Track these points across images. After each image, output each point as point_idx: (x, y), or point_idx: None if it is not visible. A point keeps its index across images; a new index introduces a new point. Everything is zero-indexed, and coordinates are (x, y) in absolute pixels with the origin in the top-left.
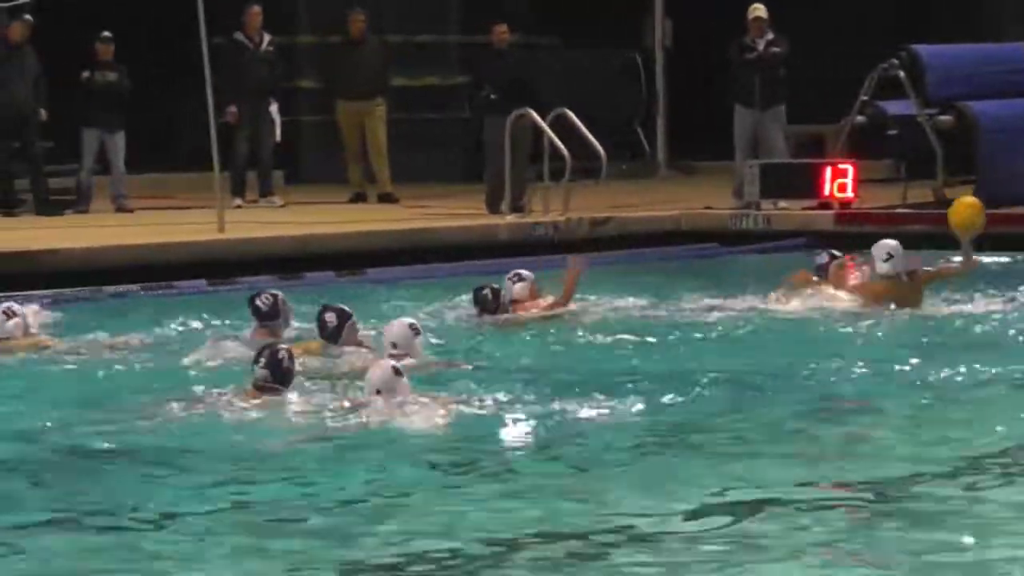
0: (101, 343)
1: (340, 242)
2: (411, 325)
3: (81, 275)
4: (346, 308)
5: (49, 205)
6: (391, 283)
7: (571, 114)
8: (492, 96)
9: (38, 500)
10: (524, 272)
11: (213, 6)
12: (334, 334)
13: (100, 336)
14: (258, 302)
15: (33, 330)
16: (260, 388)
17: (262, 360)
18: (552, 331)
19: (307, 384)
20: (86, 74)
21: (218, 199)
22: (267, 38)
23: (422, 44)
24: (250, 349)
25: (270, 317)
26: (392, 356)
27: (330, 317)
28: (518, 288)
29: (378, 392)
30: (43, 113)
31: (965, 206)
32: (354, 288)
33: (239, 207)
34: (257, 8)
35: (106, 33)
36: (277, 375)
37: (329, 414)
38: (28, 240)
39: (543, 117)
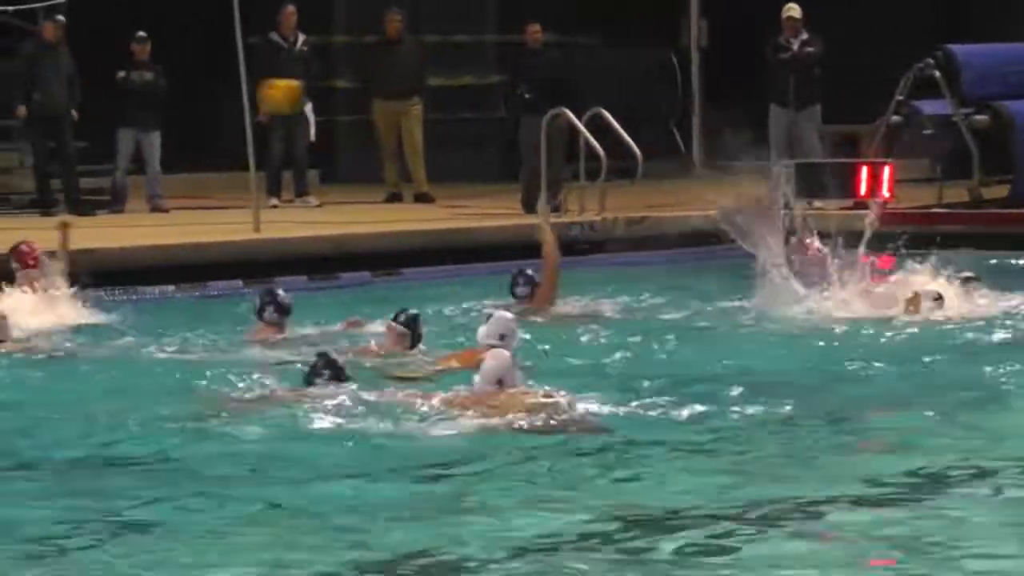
0: (129, 345)
1: (376, 242)
2: (512, 318)
3: (116, 275)
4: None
5: (81, 205)
6: (426, 283)
7: (607, 114)
8: (528, 96)
9: (67, 502)
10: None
11: (248, 6)
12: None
13: (130, 337)
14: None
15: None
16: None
17: (325, 373)
18: (580, 330)
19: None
20: (122, 74)
21: (254, 199)
22: (302, 38)
23: (458, 44)
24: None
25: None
26: (495, 347)
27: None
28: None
29: (499, 382)
30: (74, 113)
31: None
32: (389, 288)
33: (275, 207)
34: (292, 8)
35: (141, 33)
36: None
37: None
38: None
39: (578, 117)
